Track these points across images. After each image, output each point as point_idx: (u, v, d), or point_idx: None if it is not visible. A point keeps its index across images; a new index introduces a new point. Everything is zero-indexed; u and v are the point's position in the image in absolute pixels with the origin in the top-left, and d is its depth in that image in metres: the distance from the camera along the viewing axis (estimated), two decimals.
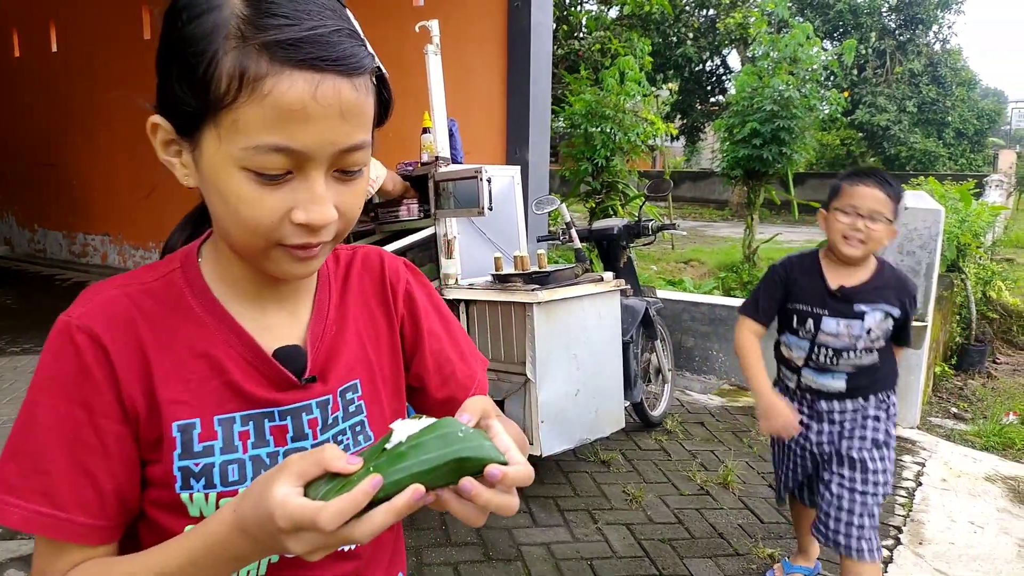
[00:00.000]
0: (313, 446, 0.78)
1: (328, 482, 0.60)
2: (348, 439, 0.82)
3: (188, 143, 0.68)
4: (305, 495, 0.60)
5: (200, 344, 0.74)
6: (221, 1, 0.63)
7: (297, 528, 0.58)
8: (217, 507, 0.74)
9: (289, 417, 0.77)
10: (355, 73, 0.66)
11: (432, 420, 0.64)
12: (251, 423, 0.75)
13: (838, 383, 2.17)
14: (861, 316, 2.06)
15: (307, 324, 0.81)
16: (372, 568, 0.87)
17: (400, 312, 0.88)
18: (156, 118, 0.69)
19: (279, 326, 0.80)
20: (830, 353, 2.14)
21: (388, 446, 0.62)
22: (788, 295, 2.21)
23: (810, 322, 2.16)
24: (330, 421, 0.80)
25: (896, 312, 2.08)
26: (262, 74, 0.62)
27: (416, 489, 0.59)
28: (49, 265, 9.76)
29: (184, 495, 0.73)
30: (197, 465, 0.73)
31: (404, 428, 0.63)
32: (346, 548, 0.82)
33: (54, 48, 9.32)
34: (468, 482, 0.61)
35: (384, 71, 0.76)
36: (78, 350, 0.69)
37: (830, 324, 2.11)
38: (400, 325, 0.88)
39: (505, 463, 0.63)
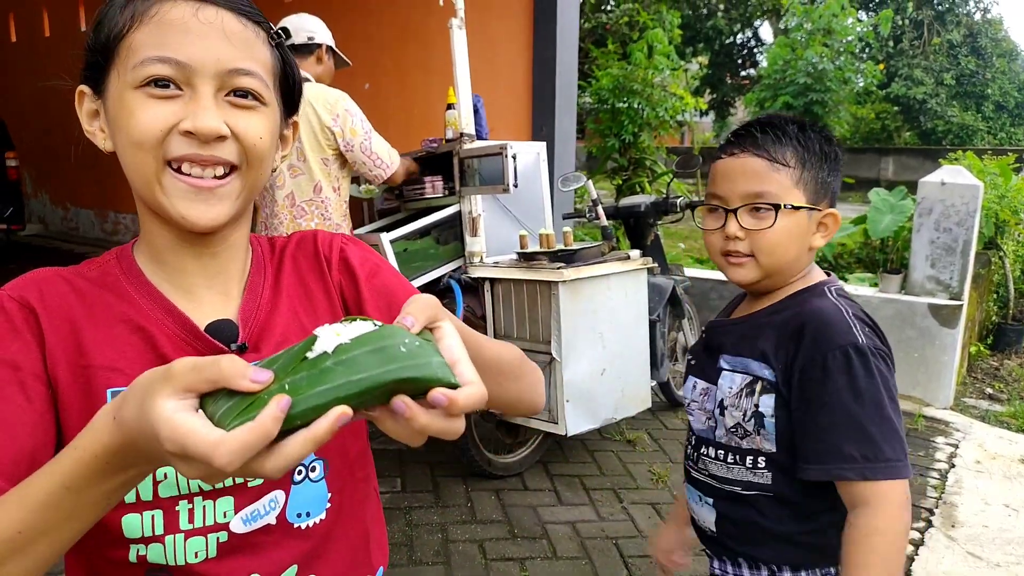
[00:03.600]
0: None
1: (229, 397, 0.50)
2: None
3: (102, 101, 0.73)
4: (201, 407, 0.51)
5: (133, 320, 0.75)
6: None
7: (187, 456, 0.49)
8: (155, 481, 0.73)
9: None
10: (240, 12, 0.72)
11: (366, 325, 0.53)
12: None
13: (706, 513, 1.22)
14: (718, 375, 1.18)
15: (239, 303, 0.82)
16: (329, 550, 0.84)
17: (336, 279, 0.88)
18: (82, 87, 0.74)
19: (211, 304, 0.80)
20: (692, 442, 1.26)
21: (310, 355, 0.52)
22: None
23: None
24: None
25: (770, 376, 1.11)
26: (149, 5, 0.69)
27: (341, 414, 0.49)
28: (82, 243, 9.92)
29: None
30: None
31: (329, 335, 0.52)
32: (297, 525, 0.81)
33: (83, 27, 9.40)
34: (401, 402, 0.52)
35: (286, 51, 0.81)
36: (8, 314, 0.70)
37: (687, 387, 1.28)
38: (340, 292, 0.88)
39: (455, 384, 0.53)
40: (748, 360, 1.15)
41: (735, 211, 1.12)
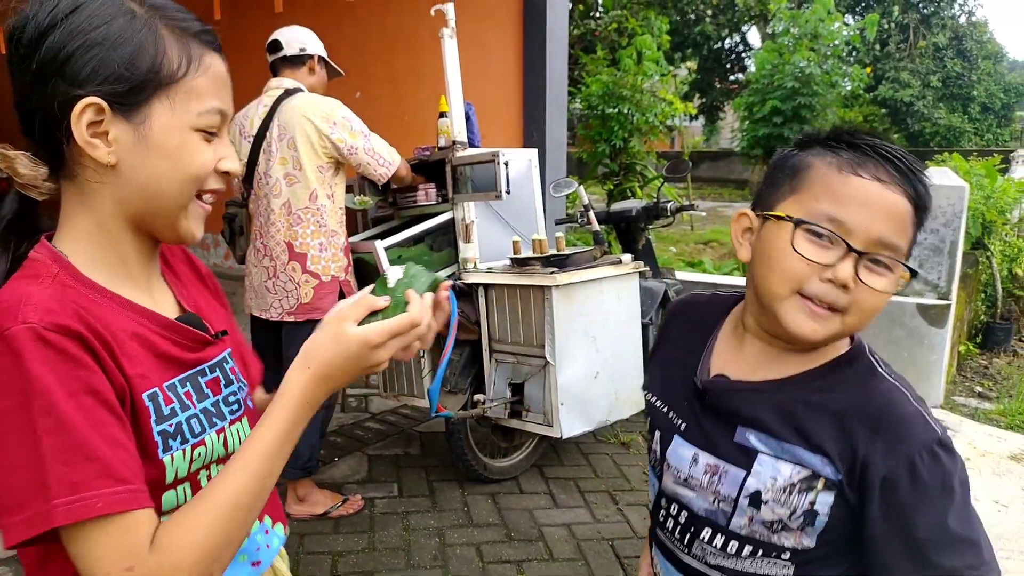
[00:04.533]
0: (237, 388, 0.93)
1: (374, 316, 0.82)
2: (238, 374, 0.95)
3: (125, 119, 0.76)
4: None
5: (126, 327, 0.80)
6: (130, 7, 0.77)
7: (392, 335, 0.81)
8: (191, 460, 0.82)
9: (217, 369, 0.90)
10: None
11: (396, 267, 0.88)
12: (189, 383, 0.85)
13: None
14: (747, 457, 0.94)
15: (174, 297, 0.92)
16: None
17: (203, 272, 1.04)
18: (94, 99, 0.74)
19: (161, 301, 0.89)
20: (683, 520, 1.02)
21: (391, 285, 0.85)
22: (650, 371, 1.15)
23: (657, 437, 1.08)
24: (237, 365, 0.95)
25: (833, 476, 0.89)
26: (200, 54, 0.80)
27: (445, 285, 0.92)
28: None
29: (166, 458, 0.79)
30: (171, 427, 0.80)
31: (392, 273, 0.87)
32: None
33: None
34: (444, 291, 0.91)
35: None
36: (60, 347, 0.69)
37: (674, 452, 1.02)
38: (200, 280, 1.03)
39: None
40: (800, 450, 0.91)
41: (862, 255, 0.85)
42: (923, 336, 4.25)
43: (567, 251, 2.91)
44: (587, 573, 2.54)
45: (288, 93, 2.74)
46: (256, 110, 2.76)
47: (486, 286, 2.88)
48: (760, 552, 0.94)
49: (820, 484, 0.89)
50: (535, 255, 2.85)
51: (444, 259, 2.97)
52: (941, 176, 4.26)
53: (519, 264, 2.84)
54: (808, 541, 0.92)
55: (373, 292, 0.85)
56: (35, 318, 0.69)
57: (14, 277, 0.76)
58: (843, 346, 0.96)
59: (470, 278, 2.91)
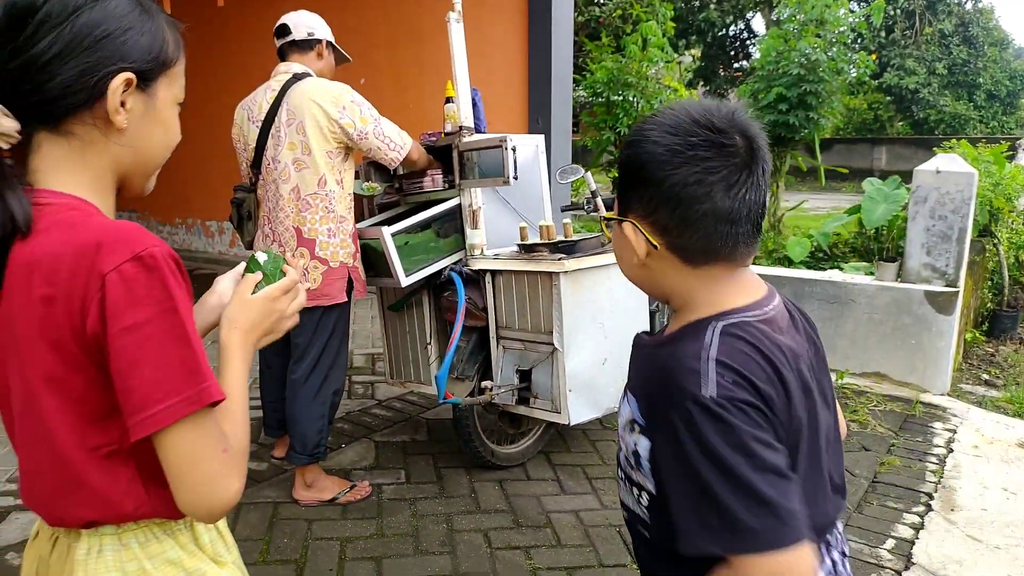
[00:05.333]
0: None
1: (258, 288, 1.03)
2: None
3: (142, 92, 0.91)
4: None
5: None
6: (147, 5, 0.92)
7: (283, 292, 1.03)
8: None
9: None
10: None
11: (260, 252, 1.06)
12: None
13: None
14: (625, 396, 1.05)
15: None
16: None
17: None
18: (129, 74, 0.88)
19: None
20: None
21: (262, 263, 1.04)
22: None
23: None
24: None
25: (640, 420, 0.96)
26: (182, 43, 0.96)
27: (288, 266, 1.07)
28: None
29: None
30: None
31: (260, 256, 1.04)
32: None
33: None
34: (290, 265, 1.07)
35: None
36: (180, 268, 0.86)
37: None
38: None
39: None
40: (628, 394, 1.01)
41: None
42: (930, 323, 4.24)
43: (574, 237, 2.90)
44: (595, 559, 2.54)
45: (296, 78, 2.72)
46: (264, 95, 2.75)
47: (493, 272, 2.87)
48: (632, 489, 1.01)
49: (636, 428, 0.96)
50: (542, 241, 2.84)
51: (451, 245, 2.96)
52: (950, 163, 4.23)
53: (526, 250, 2.83)
54: (649, 485, 0.96)
55: (247, 271, 1.04)
56: (159, 243, 0.83)
57: (82, 216, 0.85)
58: (700, 313, 0.96)
59: (477, 264, 2.90)
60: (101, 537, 0.89)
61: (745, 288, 0.97)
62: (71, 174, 0.88)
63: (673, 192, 0.91)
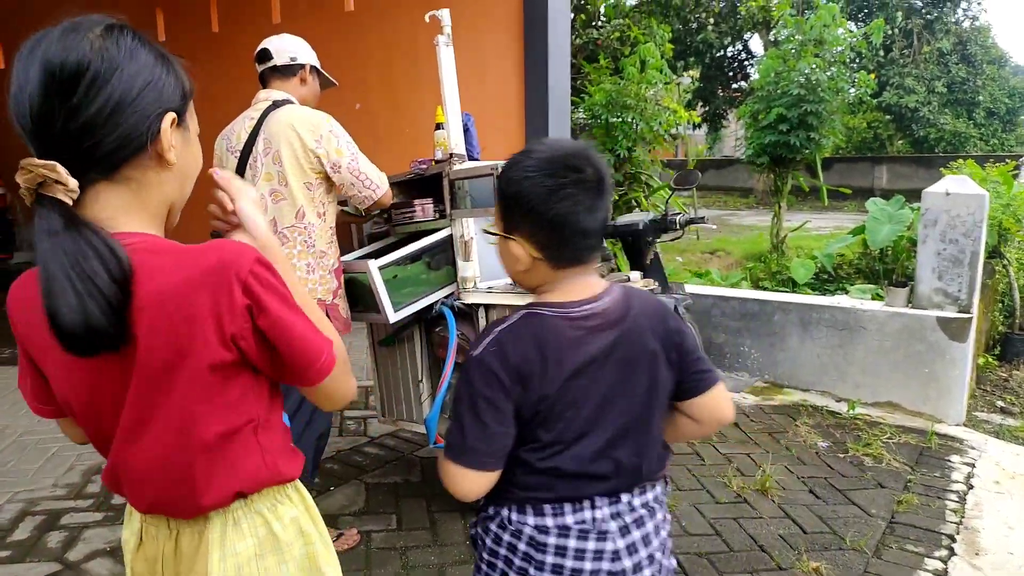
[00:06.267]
0: None
1: None
2: None
3: (180, 127, 1.02)
4: None
5: None
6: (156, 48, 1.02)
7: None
8: None
9: None
10: None
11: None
12: None
13: None
14: None
15: None
16: None
17: None
18: (173, 114, 1.00)
19: None
20: None
21: None
22: None
23: None
24: None
25: None
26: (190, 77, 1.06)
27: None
28: None
29: None
30: None
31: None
32: None
33: None
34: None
35: None
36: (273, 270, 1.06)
37: None
38: None
39: None
40: None
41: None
42: (944, 351, 4.08)
43: None
44: None
45: (276, 105, 2.59)
46: (243, 124, 2.62)
47: (487, 307, 2.73)
48: None
49: None
50: None
51: (443, 278, 2.82)
52: (959, 184, 4.10)
53: None
54: None
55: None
56: (252, 247, 1.00)
57: (169, 245, 0.98)
58: (537, 301, 1.26)
59: (470, 298, 2.76)
60: (232, 513, 1.04)
61: (580, 288, 1.24)
62: (135, 214, 0.98)
63: (554, 221, 1.18)
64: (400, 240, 2.98)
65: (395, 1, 5.68)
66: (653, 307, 1.29)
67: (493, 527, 1.26)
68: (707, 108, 20.83)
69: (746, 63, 21.38)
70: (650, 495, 1.29)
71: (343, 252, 2.84)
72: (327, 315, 2.57)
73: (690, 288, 4.81)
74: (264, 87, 2.70)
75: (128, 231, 0.96)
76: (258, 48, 2.69)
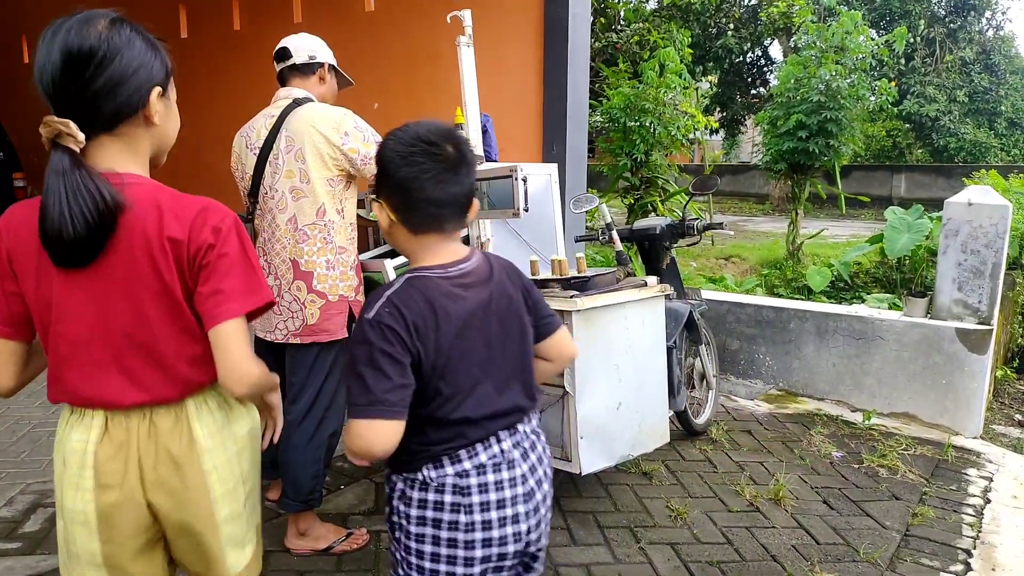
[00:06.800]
0: None
1: None
2: None
3: (164, 97, 1.32)
4: None
5: None
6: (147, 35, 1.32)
7: None
8: None
9: None
10: None
11: None
12: None
13: None
14: None
15: None
16: None
17: None
18: (159, 87, 1.30)
19: None
20: None
21: None
22: None
23: None
24: None
25: None
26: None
27: None
28: None
29: None
30: None
31: None
32: None
33: None
34: None
35: None
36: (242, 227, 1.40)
37: None
38: None
39: None
40: None
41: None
42: (962, 362, 4.03)
43: (588, 272, 2.75)
44: None
45: (297, 103, 2.60)
46: (263, 121, 2.63)
47: None
48: None
49: None
50: (554, 276, 2.69)
51: None
52: (982, 195, 4.05)
53: (537, 286, 2.67)
54: None
55: None
56: (233, 213, 1.33)
57: (158, 185, 1.30)
58: (413, 266, 1.42)
59: None
60: (202, 395, 1.35)
61: (447, 253, 1.40)
62: (129, 159, 1.29)
63: (401, 185, 1.35)
64: None
65: (416, 2, 5.69)
66: (507, 264, 1.50)
67: (415, 494, 1.37)
68: (724, 114, 20.74)
69: (765, 69, 21.27)
70: (534, 422, 1.50)
71: (360, 251, 2.84)
72: (351, 311, 2.60)
73: (706, 294, 4.78)
74: (283, 85, 2.71)
75: (124, 171, 1.27)
76: (277, 47, 2.70)
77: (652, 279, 2.84)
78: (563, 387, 2.53)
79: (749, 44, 19.64)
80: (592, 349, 2.54)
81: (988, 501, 3.28)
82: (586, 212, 4.38)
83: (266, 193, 2.59)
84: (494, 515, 1.36)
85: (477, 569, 1.37)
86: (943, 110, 19.57)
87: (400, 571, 1.41)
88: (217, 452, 1.34)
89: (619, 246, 3.27)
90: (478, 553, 1.36)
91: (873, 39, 9.60)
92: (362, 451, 1.28)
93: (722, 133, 21.83)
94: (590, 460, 2.55)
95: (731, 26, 18.91)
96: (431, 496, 1.35)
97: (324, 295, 2.54)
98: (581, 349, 2.51)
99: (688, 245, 3.84)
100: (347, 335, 2.64)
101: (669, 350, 3.21)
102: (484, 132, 2.95)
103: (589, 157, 6.92)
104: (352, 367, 1.30)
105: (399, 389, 1.28)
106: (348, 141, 2.51)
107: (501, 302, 1.41)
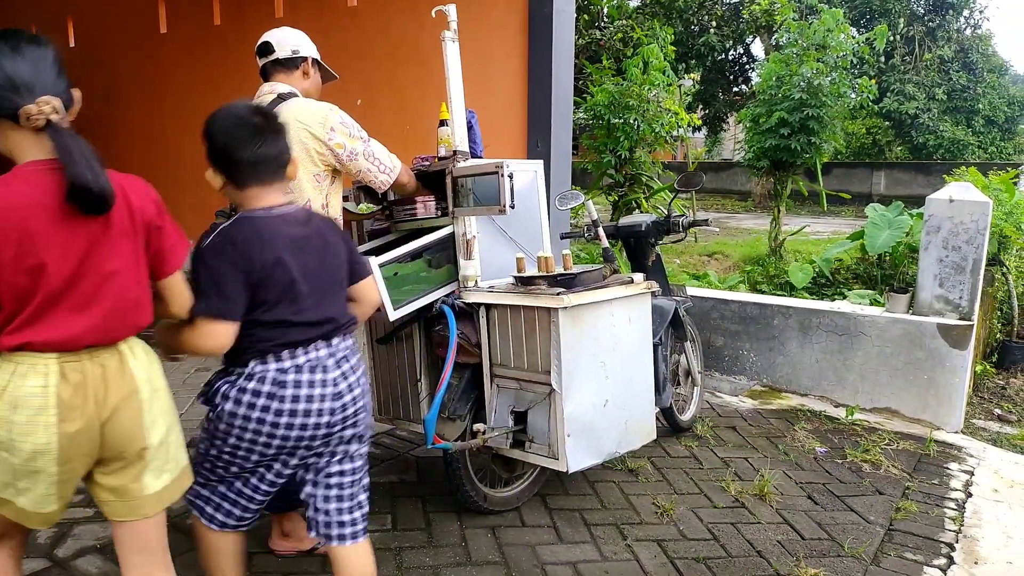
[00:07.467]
0: None
1: None
2: None
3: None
4: None
5: None
6: None
7: None
8: None
9: None
10: None
11: None
12: None
13: None
14: None
15: None
16: None
17: None
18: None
19: None
20: None
21: None
22: None
23: None
24: None
25: None
26: None
27: None
28: None
29: None
30: None
31: None
32: None
33: (71, 44, 9.27)
34: None
35: None
36: None
37: None
38: None
39: None
40: None
41: None
42: (944, 358, 4.07)
43: (575, 270, 2.74)
44: None
45: (281, 98, 2.56)
46: None
47: (487, 306, 2.71)
48: None
49: None
50: (540, 274, 2.67)
51: (443, 276, 2.79)
52: (963, 191, 4.09)
53: (523, 283, 2.66)
54: None
55: None
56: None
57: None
58: (242, 211, 1.83)
59: (471, 297, 2.73)
60: (133, 340, 1.62)
61: (268, 200, 1.81)
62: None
63: (221, 151, 1.78)
64: (401, 237, 2.96)
65: None
66: (331, 221, 1.99)
67: (239, 382, 1.77)
68: (707, 111, 20.81)
69: (747, 67, 21.36)
70: (349, 341, 1.90)
71: None
72: None
73: (690, 291, 4.78)
74: (266, 80, 2.67)
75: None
76: (259, 41, 2.66)
77: (638, 276, 2.83)
78: (550, 385, 2.52)
79: (731, 42, 19.72)
80: (579, 346, 2.53)
81: (970, 495, 3.31)
82: (571, 209, 4.37)
83: None
84: (301, 407, 1.76)
85: (272, 450, 1.80)
86: (922, 108, 19.76)
87: (200, 448, 1.86)
88: (147, 387, 1.62)
89: (605, 243, 3.26)
90: (278, 437, 1.77)
91: (854, 37, 9.66)
92: (207, 348, 1.72)
93: (705, 130, 21.91)
94: (577, 458, 2.54)
95: (713, 24, 18.98)
96: (252, 385, 1.75)
97: None
98: (568, 347, 2.50)
99: (673, 242, 3.84)
100: None
101: (655, 347, 3.21)
102: (469, 128, 2.92)
103: (573, 154, 6.91)
104: (196, 282, 1.72)
105: (236, 298, 1.70)
106: (334, 136, 2.48)
107: (317, 241, 1.83)
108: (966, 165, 7.51)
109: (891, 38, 19.32)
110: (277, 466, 1.85)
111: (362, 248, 3.01)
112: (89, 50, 8.95)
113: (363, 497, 1.98)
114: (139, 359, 1.62)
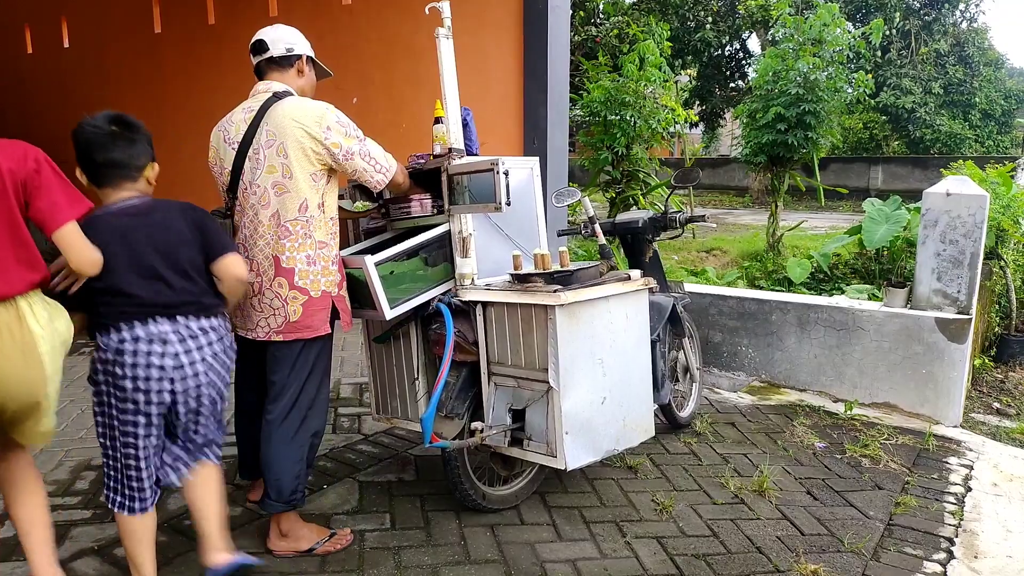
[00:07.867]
0: None
1: None
2: None
3: None
4: None
5: None
6: None
7: None
8: None
9: None
10: None
11: None
12: None
13: None
14: None
15: None
16: None
17: None
18: None
19: None
20: None
21: None
22: None
23: None
24: None
25: None
26: None
27: None
28: None
29: None
30: None
31: None
32: None
33: (66, 44, 9.23)
34: None
35: None
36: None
37: None
38: None
39: None
40: None
41: None
42: (942, 352, 4.07)
43: (572, 267, 2.73)
44: None
45: (276, 97, 2.55)
46: (242, 115, 2.57)
47: (484, 304, 2.70)
48: None
49: None
50: (537, 271, 2.66)
51: (439, 274, 2.78)
52: (960, 185, 4.08)
53: (520, 280, 2.65)
54: None
55: None
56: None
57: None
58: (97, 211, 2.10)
59: (467, 295, 2.72)
60: (31, 296, 1.85)
61: (116, 198, 2.12)
62: None
63: (82, 153, 2.08)
64: (396, 235, 2.95)
65: None
66: (185, 207, 2.20)
67: (98, 355, 2.06)
68: (704, 107, 20.81)
69: (743, 62, 21.35)
70: (205, 322, 2.15)
71: (341, 246, 2.80)
72: (335, 307, 2.55)
73: (688, 287, 4.78)
74: (260, 79, 2.65)
75: None
76: (253, 39, 2.65)
77: (635, 272, 2.82)
78: (548, 382, 2.51)
79: (727, 37, 19.71)
80: (576, 344, 2.52)
81: (969, 489, 3.31)
82: (568, 206, 4.36)
83: (246, 188, 2.54)
84: (141, 373, 2.03)
85: (129, 415, 2.06)
86: (919, 102, 19.77)
87: (94, 411, 2.13)
88: (46, 341, 1.85)
89: (602, 240, 3.25)
90: (129, 401, 2.04)
91: (850, 31, 9.65)
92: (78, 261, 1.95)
93: (702, 126, 21.91)
94: (575, 455, 2.53)
95: (709, 19, 18.96)
96: (107, 355, 2.04)
97: (307, 291, 2.50)
98: (565, 344, 2.49)
99: (670, 238, 3.83)
100: (330, 331, 2.61)
101: (653, 343, 3.20)
102: (464, 125, 2.91)
103: (570, 151, 6.91)
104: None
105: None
106: (331, 135, 2.47)
107: (150, 229, 2.09)
108: (963, 159, 7.51)
109: (887, 32, 19.30)
110: (140, 431, 2.10)
111: (357, 247, 3.00)
112: (83, 50, 8.92)
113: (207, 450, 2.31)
114: (40, 314, 1.84)
